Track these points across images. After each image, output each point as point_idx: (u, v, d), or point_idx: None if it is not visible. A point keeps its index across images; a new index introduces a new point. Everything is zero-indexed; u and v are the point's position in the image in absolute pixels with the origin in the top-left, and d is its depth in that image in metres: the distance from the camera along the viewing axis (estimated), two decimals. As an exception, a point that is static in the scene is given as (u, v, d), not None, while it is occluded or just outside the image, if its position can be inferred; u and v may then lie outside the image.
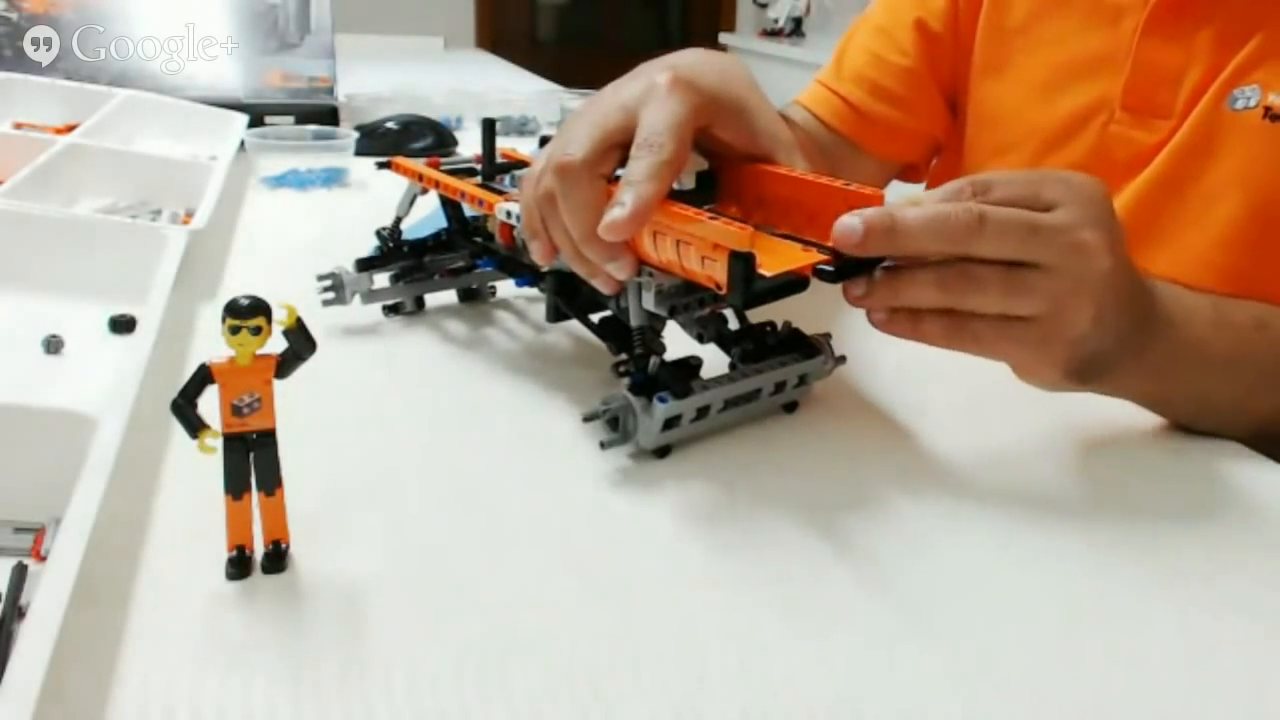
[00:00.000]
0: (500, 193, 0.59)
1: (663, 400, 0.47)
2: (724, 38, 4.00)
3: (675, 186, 0.48)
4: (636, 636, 0.37)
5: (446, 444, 0.50)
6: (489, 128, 0.62)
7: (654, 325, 0.52)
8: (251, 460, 0.37)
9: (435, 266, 0.66)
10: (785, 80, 3.46)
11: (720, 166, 0.53)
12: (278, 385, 0.37)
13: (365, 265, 0.64)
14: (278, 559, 0.39)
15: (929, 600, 0.40)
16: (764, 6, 3.98)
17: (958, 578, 0.41)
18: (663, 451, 0.49)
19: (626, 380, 0.48)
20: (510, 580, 0.40)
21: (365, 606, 0.37)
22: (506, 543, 0.42)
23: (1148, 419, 0.57)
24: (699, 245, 0.42)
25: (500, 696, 0.33)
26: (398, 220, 0.66)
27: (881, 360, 0.62)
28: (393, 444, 0.50)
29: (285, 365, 0.37)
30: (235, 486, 0.37)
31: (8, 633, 0.35)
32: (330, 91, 1.27)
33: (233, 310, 0.35)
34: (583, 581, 0.40)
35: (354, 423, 0.52)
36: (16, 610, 0.36)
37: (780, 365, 0.53)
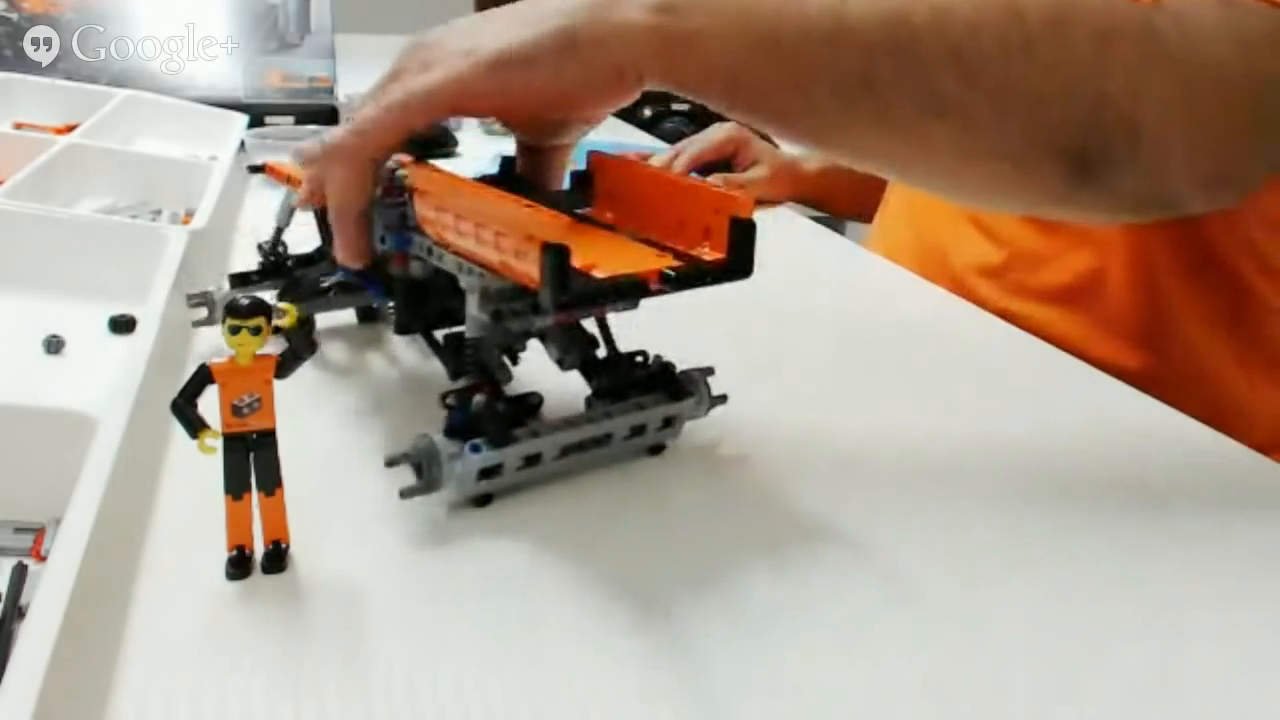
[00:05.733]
0: None
1: (475, 449, 0.41)
2: (724, 37, 3.99)
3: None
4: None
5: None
6: None
7: (512, 347, 0.47)
8: (251, 460, 0.37)
9: (307, 281, 0.59)
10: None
11: (596, 167, 0.50)
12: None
13: (240, 281, 0.59)
14: (278, 559, 0.39)
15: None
16: (764, 6, 3.97)
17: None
18: (483, 500, 0.44)
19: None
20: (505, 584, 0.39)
21: (365, 606, 0.37)
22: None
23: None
24: (514, 237, 0.38)
25: (500, 697, 0.33)
26: (279, 231, 0.60)
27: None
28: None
29: (285, 365, 0.37)
30: (235, 486, 0.37)
31: (8, 633, 0.35)
32: (330, 91, 1.27)
33: (233, 310, 0.35)
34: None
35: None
36: (16, 610, 0.36)
37: (638, 407, 0.46)
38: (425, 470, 0.42)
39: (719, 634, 0.37)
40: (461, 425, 0.42)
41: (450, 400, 0.43)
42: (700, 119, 1.60)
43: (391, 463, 0.42)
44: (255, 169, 0.63)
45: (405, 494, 0.42)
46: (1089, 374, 0.64)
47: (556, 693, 0.33)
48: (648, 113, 1.63)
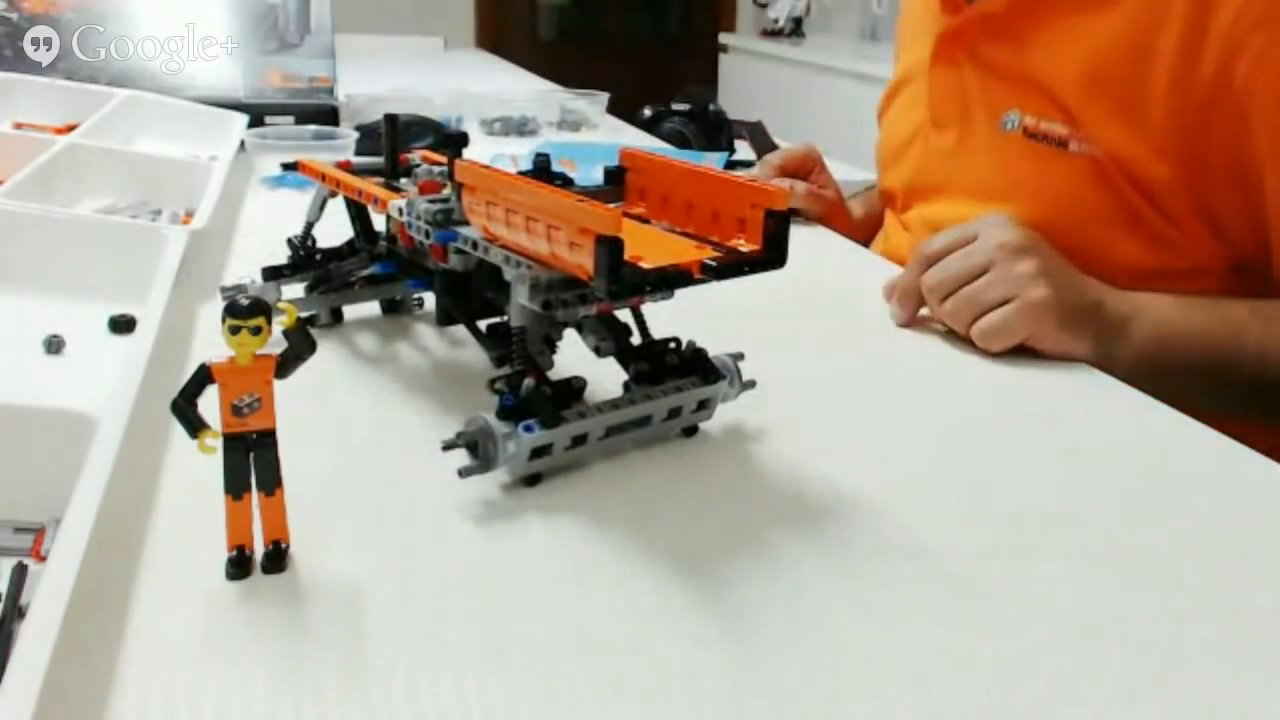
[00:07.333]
0: (398, 190, 0.56)
1: (528, 430, 0.44)
2: (724, 38, 4.00)
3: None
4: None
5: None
6: (390, 123, 0.59)
7: (550, 335, 0.48)
8: (251, 460, 0.37)
9: (340, 274, 0.62)
10: (785, 80, 3.46)
11: (629, 164, 0.52)
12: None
13: (273, 274, 0.61)
14: (278, 559, 0.39)
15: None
16: (764, 6, 3.97)
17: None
18: (533, 480, 0.46)
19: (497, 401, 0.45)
20: (508, 579, 0.40)
21: (365, 606, 0.37)
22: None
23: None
24: (567, 230, 0.40)
25: (500, 697, 0.33)
26: (309, 226, 0.62)
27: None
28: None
29: (285, 365, 0.37)
30: (235, 486, 0.37)
31: (8, 633, 0.35)
32: (330, 91, 1.27)
33: (233, 310, 0.35)
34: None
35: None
36: (16, 610, 0.36)
37: (675, 390, 0.49)
38: (480, 450, 0.44)
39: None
40: (513, 407, 0.44)
41: (500, 385, 0.45)
42: (700, 119, 1.60)
43: (449, 446, 0.44)
44: (288, 166, 0.64)
45: (464, 473, 0.44)
46: (1093, 373, 0.64)
47: (557, 691, 0.33)
48: (648, 113, 1.62)
